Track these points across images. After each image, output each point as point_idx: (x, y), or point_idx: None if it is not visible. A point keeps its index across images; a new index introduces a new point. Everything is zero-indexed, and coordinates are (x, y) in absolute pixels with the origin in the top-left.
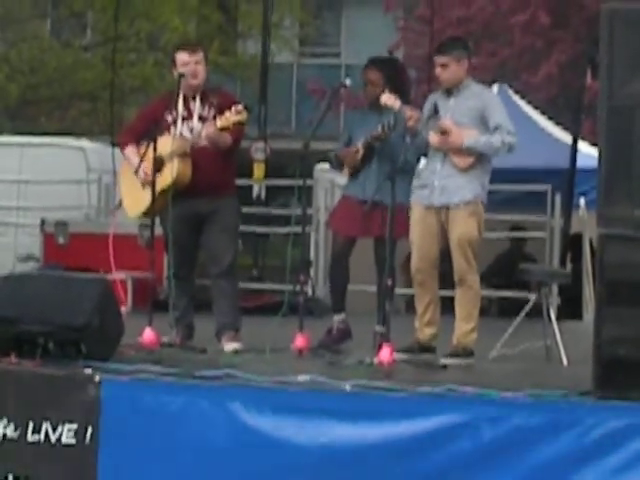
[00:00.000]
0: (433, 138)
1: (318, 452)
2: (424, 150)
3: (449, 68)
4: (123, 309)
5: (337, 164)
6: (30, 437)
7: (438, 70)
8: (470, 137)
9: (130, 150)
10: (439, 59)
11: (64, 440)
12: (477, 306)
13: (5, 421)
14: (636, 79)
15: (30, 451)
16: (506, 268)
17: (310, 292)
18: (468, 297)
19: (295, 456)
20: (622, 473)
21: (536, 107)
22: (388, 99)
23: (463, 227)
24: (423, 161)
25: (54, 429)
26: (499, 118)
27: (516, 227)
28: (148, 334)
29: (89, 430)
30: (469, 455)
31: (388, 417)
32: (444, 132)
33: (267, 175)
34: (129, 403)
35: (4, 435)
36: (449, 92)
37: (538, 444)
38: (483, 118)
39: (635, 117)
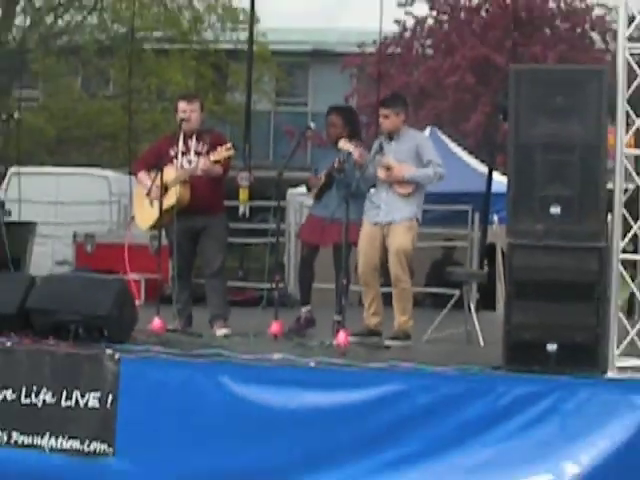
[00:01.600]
0: (380, 173)
1: (290, 414)
2: (373, 181)
3: (389, 119)
4: (137, 302)
5: (307, 189)
6: (64, 403)
7: (381, 119)
8: (409, 171)
9: (142, 175)
10: (382, 111)
11: (90, 405)
12: (410, 300)
13: (45, 389)
14: (536, 124)
15: (64, 413)
16: (439, 270)
17: (283, 289)
18: (402, 295)
19: (271, 417)
20: (526, 429)
21: (461, 145)
22: (344, 144)
23: (401, 240)
24: (372, 190)
25: (82, 396)
26: (430, 155)
27: (447, 239)
28: (156, 322)
29: (110, 397)
30: (407, 416)
31: (344, 387)
32: (388, 168)
33: (250, 197)
34: (141, 376)
35: (44, 400)
36: (391, 136)
37: (461, 407)
38: (418, 155)
39: (535, 153)
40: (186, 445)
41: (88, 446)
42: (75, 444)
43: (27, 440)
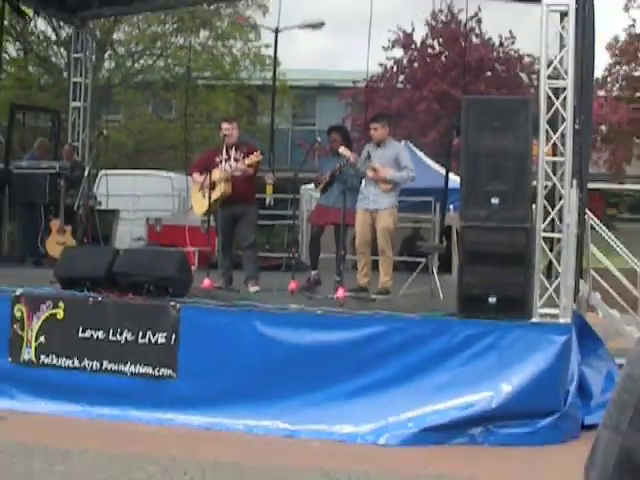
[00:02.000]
0: (369, 173)
1: (304, 347)
2: (363, 177)
3: (378, 130)
4: (192, 267)
5: (315, 185)
6: (140, 340)
7: (372, 131)
8: (390, 173)
9: (196, 176)
10: (372, 125)
11: (159, 341)
12: (391, 265)
13: (126, 331)
14: (481, 138)
15: (140, 348)
16: (409, 244)
17: (298, 258)
18: (386, 262)
19: (289, 350)
20: (474, 359)
21: (426, 153)
22: (344, 150)
23: (385, 222)
24: (363, 184)
25: (153, 335)
26: (406, 161)
27: (415, 221)
28: (207, 282)
29: (173, 336)
30: (385, 350)
31: (341, 328)
32: (375, 170)
33: (273, 191)
34: (196, 321)
35: (126, 338)
36: (378, 145)
37: (426, 343)
38: (397, 160)
39: (480, 159)
40: (227, 369)
41: (158, 371)
42: (148, 370)
43: (114, 367)
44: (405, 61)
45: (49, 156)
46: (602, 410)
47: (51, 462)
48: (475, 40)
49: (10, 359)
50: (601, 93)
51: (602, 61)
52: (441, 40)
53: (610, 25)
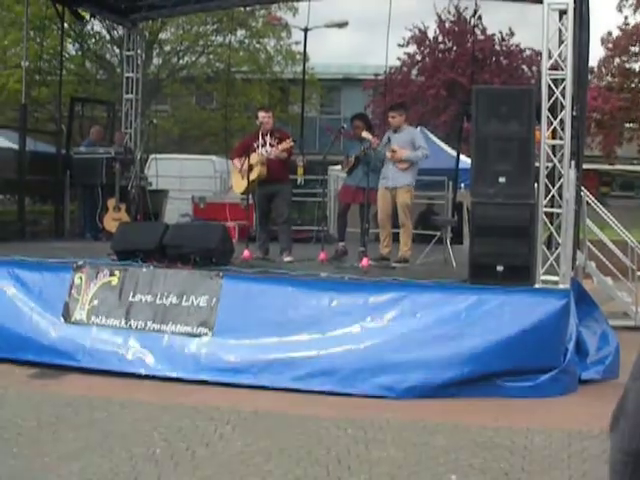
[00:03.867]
0: (388, 155)
1: (331, 309)
2: (384, 159)
3: (396, 118)
4: (233, 240)
5: (343, 167)
6: (184, 303)
7: (390, 119)
8: (406, 153)
9: (236, 159)
10: (390, 113)
11: (201, 304)
12: (410, 237)
13: (171, 294)
14: (489, 123)
15: (183, 309)
16: (424, 218)
17: (327, 231)
18: (406, 233)
19: (319, 310)
20: (485, 318)
21: (439, 137)
22: (366, 134)
23: (403, 198)
24: (384, 166)
25: (196, 299)
26: (420, 142)
27: (429, 198)
28: (246, 252)
29: (214, 300)
30: (404, 311)
31: (366, 291)
32: (394, 151)
33: (304, 173)
34: (236, 286)
35: (171, 302)
36: (395, 130)
37: (441, 305)
38: (413, 142)
39: (488, 142)
40: (260, 327)
41: (196, 330)
42: (188, 329)
43: (157, 327)
44: (419, 56)
45: (104, 142)
46: (597, 366)
47: (110, 412)
48: (480, 36)
49: (63, 319)
50: (595, 81)
51: (596, 54)
52: (450, 37)
53: (604, 20)
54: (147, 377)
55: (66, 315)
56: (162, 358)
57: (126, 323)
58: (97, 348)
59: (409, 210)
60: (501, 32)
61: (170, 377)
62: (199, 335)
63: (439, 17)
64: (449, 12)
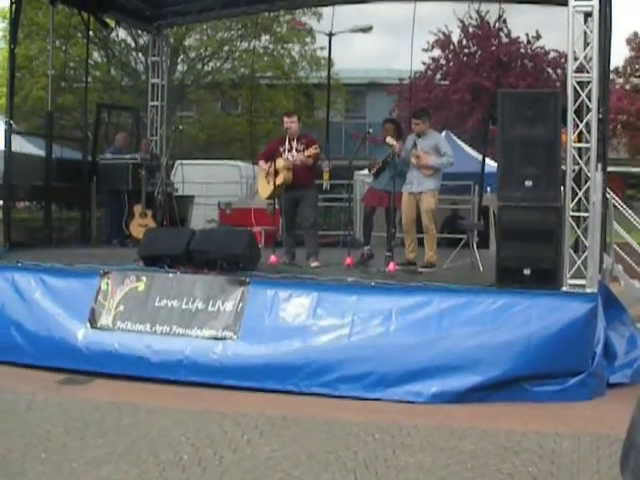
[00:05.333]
0: (413, 160)
1: (358, 310)
2: (409, 164)
3: (419, 125)
4: (260, 245)
5: (369, 170)
6: (210, 308)
7: (413, 126)
8: (431, 160)
9: (262, 164)
10: (414, 120)
11: (227, 309)
12: (435, 242)
13: (197, 299)
14: (515, 127)
15: (209, 314)
16: (450, 223)
17: (353, 235)
18: (431, 239)
19: (345, 311)
20: (510, 326)
21: (464, 141)
22: (390, 140)
23: (427, 203)
24: (408, 171)
25: (222, 304)
26: (445, 148)
27: (453, 202)
28: (272, 258)
29: (240, 304)
30: (431, 314)
31: (393, 294)
32: (418, 157)
33: (330, 177)
34: (262, 291)
35: (197, 307)
36: (419, 135)
37: (468, 310)
38: (437, 148)
39: (515, 146)
40: (286, 332)
41: (221, 333)
42: (213, 332)
43: (182, 331)
44: (443, 60)
45: (129, 149)
46: (625, 370)
47: (138, 418)
48: (505, 39)
49: (89, 325)
50: (620, 81)
51: (621, 54)
52: (474, 41)
53: (630, 21)
54: (173, 382)
55: (92, 321)
56: (188, 363)
57: (152, 328)
58: (123, 353)
59: (433, 215)
60: (527, 34)
61: (196, 382)
62: (225, 339)
63: (462, 22)
64: (471, 17)
